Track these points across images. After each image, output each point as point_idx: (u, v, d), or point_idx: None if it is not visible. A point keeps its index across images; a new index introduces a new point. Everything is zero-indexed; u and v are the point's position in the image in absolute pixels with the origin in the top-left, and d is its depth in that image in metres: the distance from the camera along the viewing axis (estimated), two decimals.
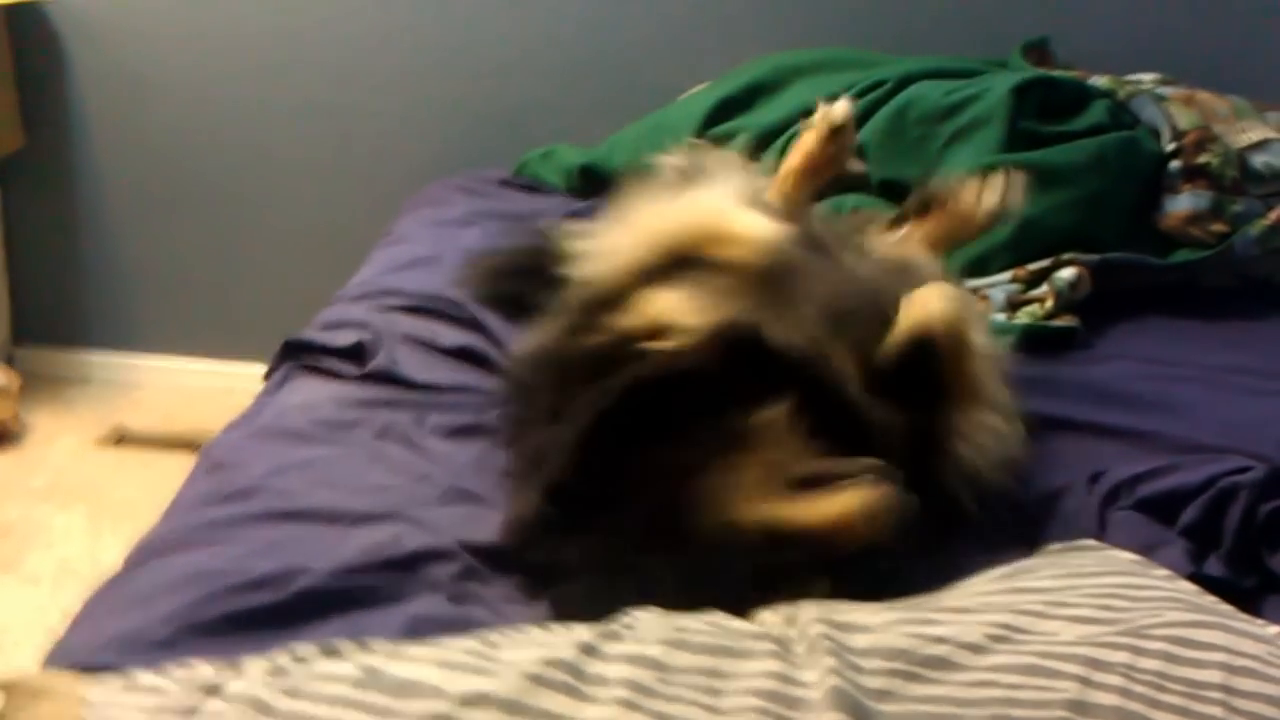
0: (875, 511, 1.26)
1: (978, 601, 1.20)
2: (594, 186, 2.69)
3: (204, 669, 1.11)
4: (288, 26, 3.06)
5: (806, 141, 2.01)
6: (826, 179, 2.04)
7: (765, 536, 1.30)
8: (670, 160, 2.01)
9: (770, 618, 1.20)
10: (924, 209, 1.87)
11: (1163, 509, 1.52)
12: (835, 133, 1.99)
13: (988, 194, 1.82)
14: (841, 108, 1.99)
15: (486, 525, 1.52)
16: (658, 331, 1.45)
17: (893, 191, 2.35)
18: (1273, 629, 1.16)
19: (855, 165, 2.30)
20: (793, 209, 1.92)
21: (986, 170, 1.86)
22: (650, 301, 1.51)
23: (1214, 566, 1.43)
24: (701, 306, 1.49)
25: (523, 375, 1.61)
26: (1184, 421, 1.76)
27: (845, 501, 1.28)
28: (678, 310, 1.48)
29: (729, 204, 1.62)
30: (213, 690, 1.07)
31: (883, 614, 1.18)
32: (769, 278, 1.53)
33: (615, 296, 1.55)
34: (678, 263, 1.55)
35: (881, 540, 1.26)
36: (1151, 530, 1.49)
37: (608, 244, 1.61)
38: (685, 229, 1.57)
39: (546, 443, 1.43)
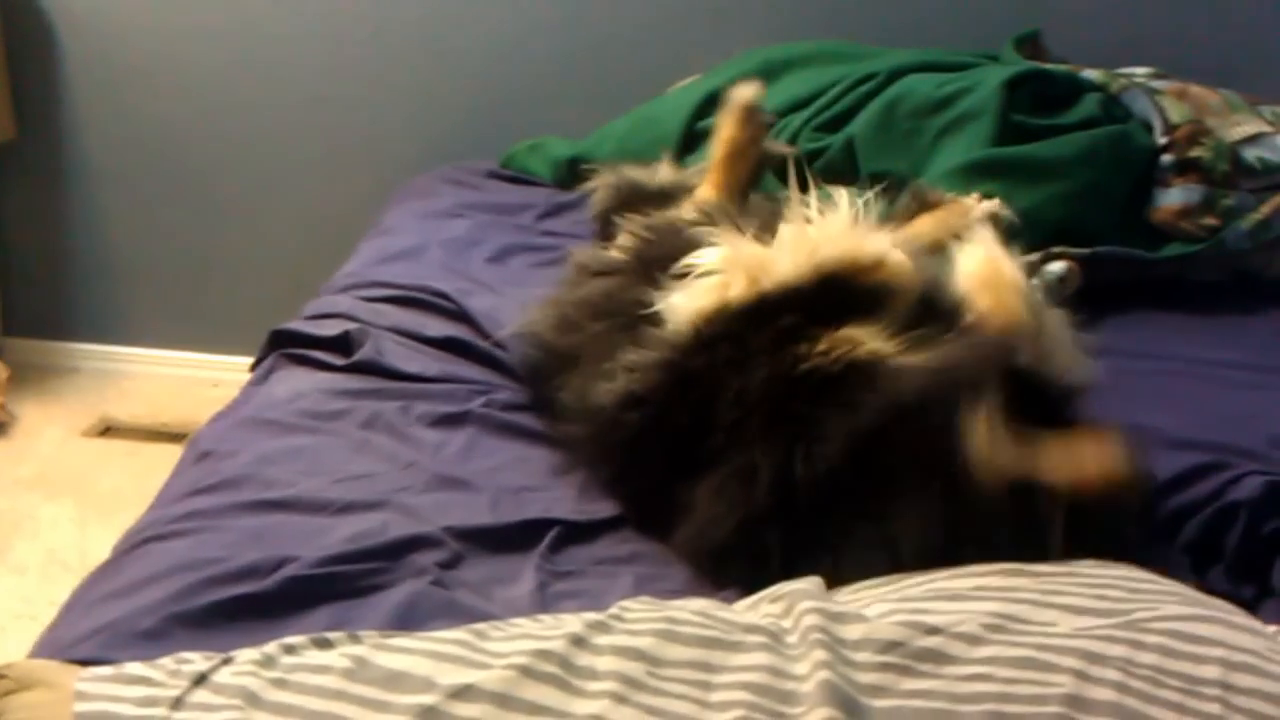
0: (1114, 459, 1.31)
1: (972, 586, 1.19)
2: (581, 179, 2.69)
3: (194, 659, 1.10)
4: (277, 19, 3.05)
5: (724, 129, 2.11)
6: (751, 163, 2.13)
7: (1013, 487, 1.33)
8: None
9: (769, 607, 1.19)
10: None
11: (1163, 524, 1.52)
12: (749, 114, 2.09)
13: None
14: (749, 89, 2.09)
15: (472, 510, 1.53)
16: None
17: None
18: (1271, 627, 1.16)
19: (777, 147, 2.33)
20: (731, 197, 2.02)
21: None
22: (850, 334, 1.51)
23: (1216, 581, 1.43)
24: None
25: (675, 392, 1.56)
26: (1174, 415, 1.76)
27: (1085, 451, 1.33)
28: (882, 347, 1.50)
29: (871, 234, 1.63)
30: (202, 680, 1.06)
31: (878, 603, 1.17)
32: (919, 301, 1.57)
33: (785, 321, 1.53)
34: (829, 285, 1.56)
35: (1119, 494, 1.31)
36: (1153, 544, 1.49)
37: (742, 265, 1.60)
38: (842, 256, 1.57)
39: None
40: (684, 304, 1.59)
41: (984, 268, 1.62)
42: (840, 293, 1.55)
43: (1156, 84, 2.45)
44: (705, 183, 2.12)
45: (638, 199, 2.11)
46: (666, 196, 2.10)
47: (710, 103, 2.61)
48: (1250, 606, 1.39)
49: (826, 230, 1.62)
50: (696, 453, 1.50)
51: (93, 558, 1.45)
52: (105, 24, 3.10)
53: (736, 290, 1.56)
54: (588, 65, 3.01)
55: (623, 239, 1.90)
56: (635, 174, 2.22)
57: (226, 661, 1.09)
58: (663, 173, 2.23)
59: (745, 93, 2.11)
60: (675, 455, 1.52)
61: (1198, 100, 2.39)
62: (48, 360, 3.40)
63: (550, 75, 3.03)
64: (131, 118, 3.18)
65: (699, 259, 1.62)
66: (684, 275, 1.62)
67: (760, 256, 1.59)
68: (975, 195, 2.04)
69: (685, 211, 1.94)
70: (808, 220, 1.64)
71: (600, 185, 2.23)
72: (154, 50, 3.10)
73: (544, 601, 1.39)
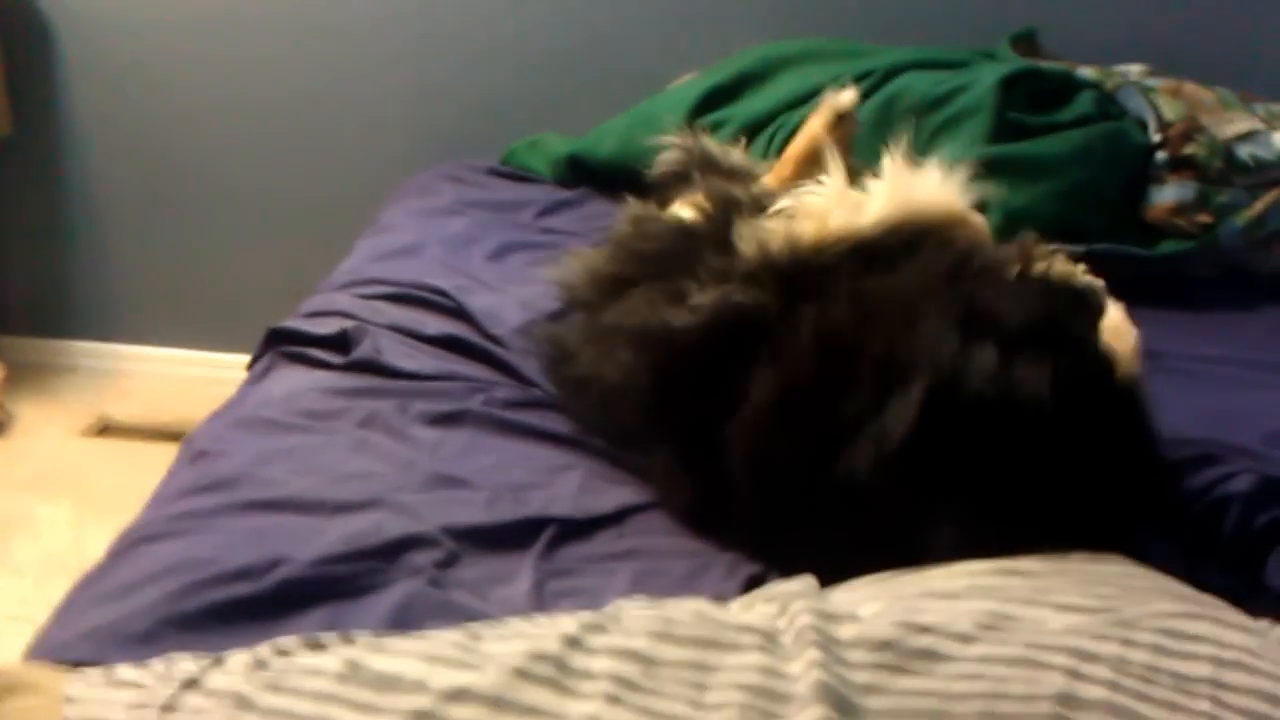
0: None
1: (965, 585, 1.20)
2: (581, 176, 2.70)
3: (185, 662, 1.10)
4: (275, 16, 3.05)
5: (812, 127, 2.08)
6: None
7: None
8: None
9: (764, 607, 1.19)
10: None
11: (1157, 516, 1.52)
12: (840, 119, 2.06)
13: None
14: (848, 95, 2.06)
15: (469, 510, 1.53)
16: None
17: None
18: (1262, 623, 1.16)
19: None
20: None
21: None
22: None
23: (1208, 576, 1.43)
24: None
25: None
26: (1168, 413, 1.76)
27: None
28: None
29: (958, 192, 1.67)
30: (193, 684, 1.06)
31: (871, 603, 1.17)
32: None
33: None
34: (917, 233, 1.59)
35: None
36: (1145, 536, 1.49)
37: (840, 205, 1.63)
38: (938, 209, 1.62)
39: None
40: (780, 229, 1.59)
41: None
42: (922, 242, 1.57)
43: (1151, 81, 2.46)
44: (774, 173, 2.10)
45: (709, 170, 2.09)
46: (736, 176, 2.08)
47: (709, 99, 2.63)
48: (1242, 601, 1.40)
49: (922, 181, 1.64)
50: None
51: (90, 558, 1.44)
52: (102, 20, 3.10)
53: (834, 223, 1.58)
54: (587, 62, 3.01)
55: (697, 199, 1.89)
56: (712, 146, 2.21)
57: (217, 664, 1.09)
58: (735, 154, 2.22)
59: (843, 98, 2.08)
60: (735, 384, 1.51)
61: (1191, 98, 2.40)
62: (45, 359, 3.40)
63: (550, 72, 3.03)
64: (129, 114, 3.17)
65: (798, 195, 1.64)
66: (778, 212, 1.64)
67: (860, 196, 1.62)
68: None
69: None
70: (903, 172, 1.66)
71: (676, 146, 2.20)
72: (152, 47, 3.10)
73: (541, 600, 1.39)
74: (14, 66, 3.14)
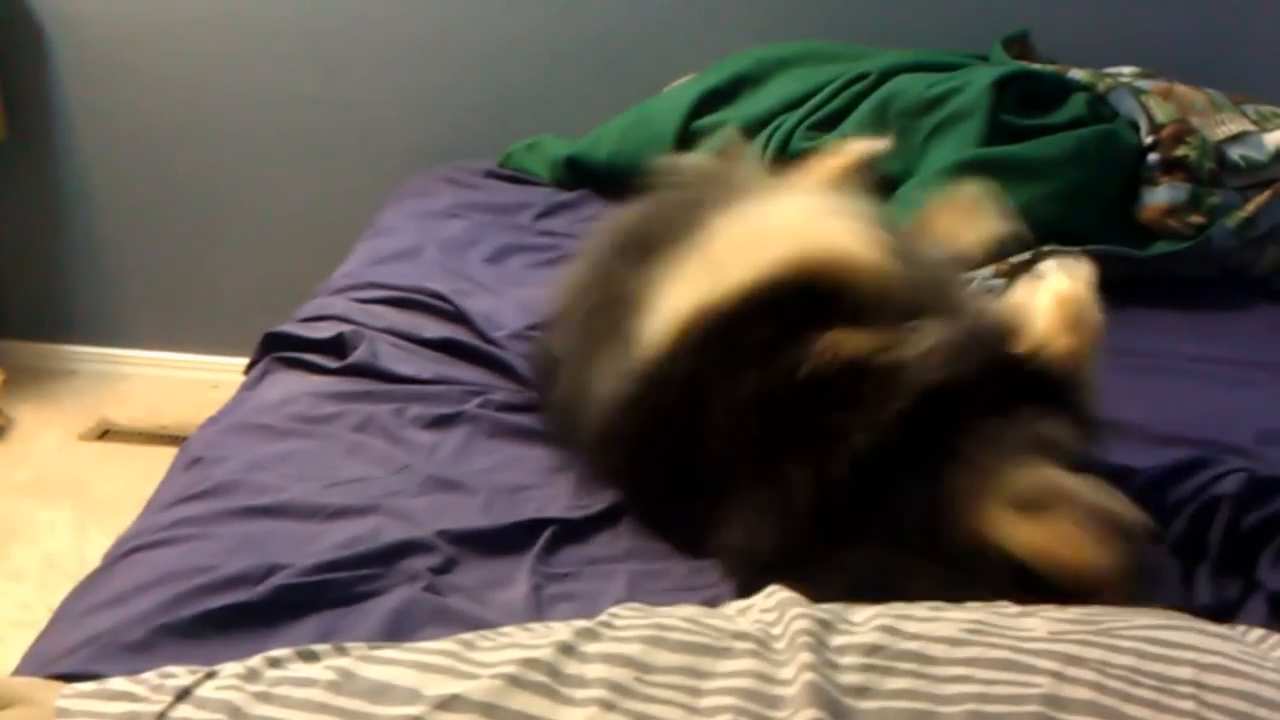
0: (1078, 552, 1.25)
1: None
2: (579, 178, 2.71)
3: (177, 673, 1.10)
4: (272, 17, 3.06)
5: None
6: None
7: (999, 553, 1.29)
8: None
9: (761, 615, 1.20)
10: None
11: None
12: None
13: None
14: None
15: (466, 514, 1.53)
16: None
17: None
18: (1241, 628, 1.17)
19: None
20: None
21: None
22: (844, 340, 1.39)
23: (1202, 581, 1.43)
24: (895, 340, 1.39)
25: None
26: (1161, 412, 1.77)
27: (1048, 532, 1.27)
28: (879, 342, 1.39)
29: (835, 223, 1.51)
30: (184, 695, 1.05)
31: (863, 611, 1.18)
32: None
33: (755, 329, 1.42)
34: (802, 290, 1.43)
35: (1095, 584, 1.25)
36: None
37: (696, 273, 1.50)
38: (806, 256, 1.45)
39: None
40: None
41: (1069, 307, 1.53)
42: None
43: (1142, 84, 2.46)
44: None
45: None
46: None
47: (706, 102, 2.64)
48: (1236, 604, 1.41)
49: None
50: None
51: (91, 563, 1.45)
52: (96, 23, 3.11)
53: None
54: (585, 64, 3.02)
55: None
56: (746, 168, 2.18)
57: (210, 675, 1.08)
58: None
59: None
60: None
61: (1183, 99, 2.41)
62: (45, 363, 3.41)
63: (548, 74, 3.04)
64: (125, 117, 3.18)
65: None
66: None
67: None
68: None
69: None
70: None
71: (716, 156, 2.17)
72: (147, 49, 3.11)
73: (539, 604, 1.39)
74: (8, 71, 3.15)
